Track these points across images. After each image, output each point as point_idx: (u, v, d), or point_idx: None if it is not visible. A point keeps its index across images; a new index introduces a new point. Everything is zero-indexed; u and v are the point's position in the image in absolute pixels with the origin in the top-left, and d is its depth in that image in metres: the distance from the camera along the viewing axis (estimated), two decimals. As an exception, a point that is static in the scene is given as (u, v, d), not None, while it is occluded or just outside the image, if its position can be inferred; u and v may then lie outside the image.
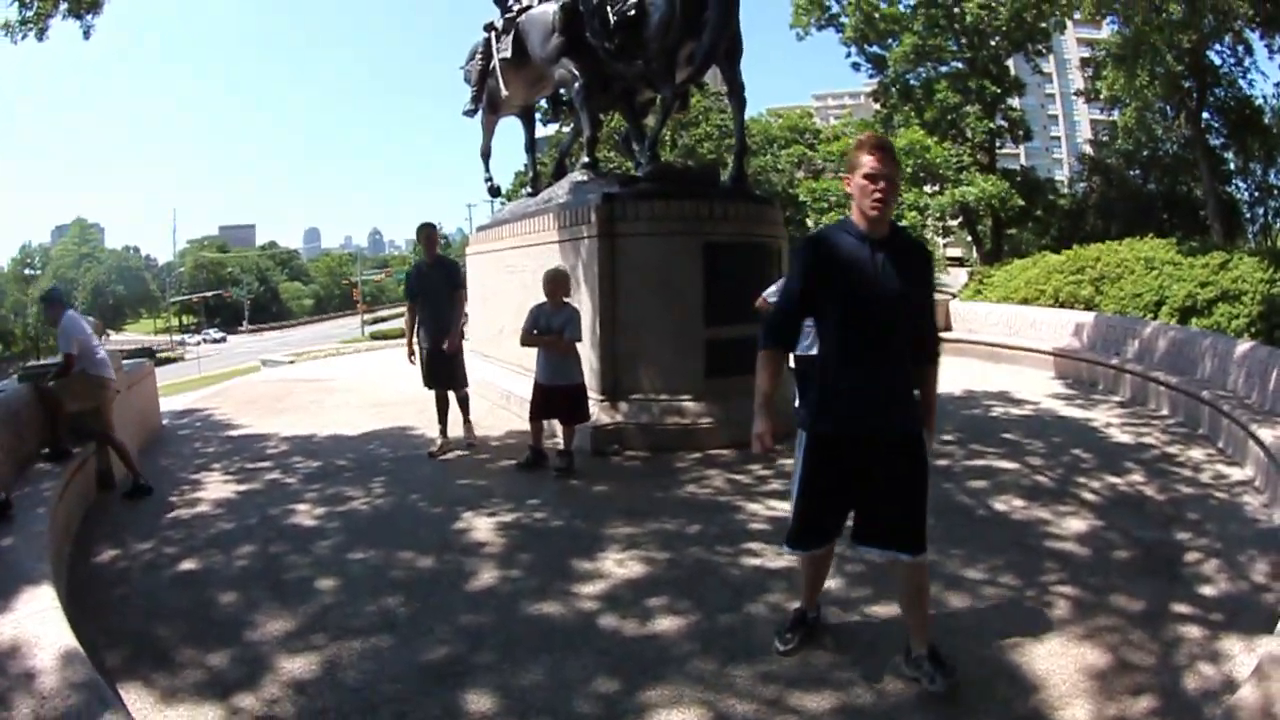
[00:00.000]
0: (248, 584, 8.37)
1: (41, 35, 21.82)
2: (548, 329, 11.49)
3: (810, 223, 55.90)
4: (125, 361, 14.34)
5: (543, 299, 11.87)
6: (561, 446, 12.06)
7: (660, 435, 12.64)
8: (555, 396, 11.73)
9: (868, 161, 5.39)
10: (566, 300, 11.78)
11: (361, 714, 5.88)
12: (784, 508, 9.05)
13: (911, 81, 55.33)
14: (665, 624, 6.83)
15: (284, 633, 7.24)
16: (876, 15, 54.22)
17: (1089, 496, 10.24)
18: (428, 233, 13.48)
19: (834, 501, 5.85)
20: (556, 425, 12.37)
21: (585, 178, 15.61)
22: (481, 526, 9.65)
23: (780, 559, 7.92)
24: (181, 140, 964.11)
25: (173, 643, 7.15)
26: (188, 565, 9.06)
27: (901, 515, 5.62)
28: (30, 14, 21.52)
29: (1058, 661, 6.17)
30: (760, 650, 6.31)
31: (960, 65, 53.76)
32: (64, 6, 21.46)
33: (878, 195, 5.38)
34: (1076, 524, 9.17)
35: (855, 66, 56.98)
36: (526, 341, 11.81)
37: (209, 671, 6.66)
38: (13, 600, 6.51)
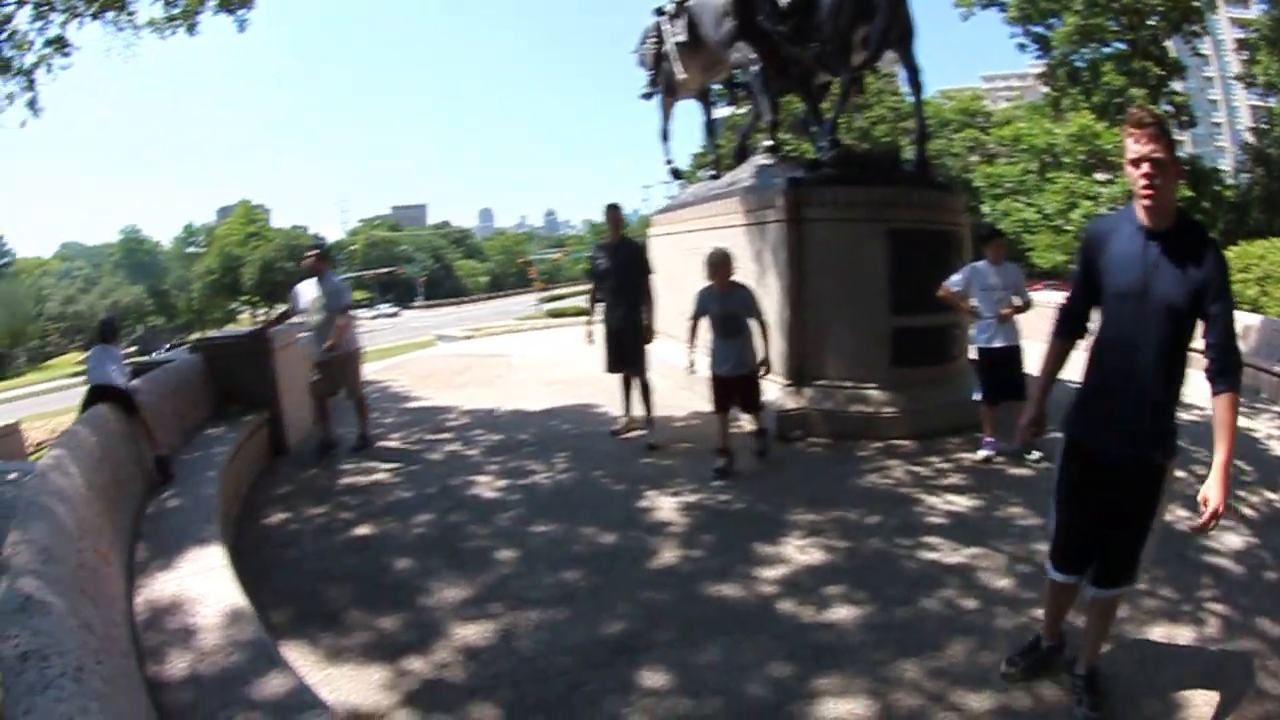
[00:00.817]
0: (424, 551, 8.49)
1: (192, 30, 22.46)
2: (721, 314, 10.69)
3: (986, 209, 54.75)
4: (300, 335, 14.50)
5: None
6: (754, 428, 11.66)
7: (843, 422, 12.30)
8: (733, 387, 11.05)
9: (1129, 144, 4.84)
10: (735, 281, 10.94)
11: (534, 683, 5.90)
12: (961, 503, 9.12)
13: (1077, 63, 53.82)
14: (841, 613, 6.76)
15: (460, 600, 7.32)
16: (1040, -7, 52.30)
17: (1247, 511, 9.79)
18: (613, 213, 13.13)
19: (1088, 513, 5.34)
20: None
21: (768, 161, 15.38)
22: (664, 505, 9.59)
23: (956, 554, 7.82)
24: (351, 123, 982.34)
25: (341, 604, 7.32)
26: (362, 530, 9.23)
27: (1112, 546, 5.29)
28: (178, 11, 22.18)
29: (1201, 681, 5.79)
30: (929, 645, 6.20)
31: (1122, 46, 51.99)
32: (213, 2, 21.83)
33: (1144, 181, 4.79)
34: (1233, 540, 8.68)
35: (1021, 47, 55.39)
36: (692, 335, 11.12)
37: (378, 634, 6.78)
38: (177, 559, 6.69)
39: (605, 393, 14.98)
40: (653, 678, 5.88)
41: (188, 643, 5.15)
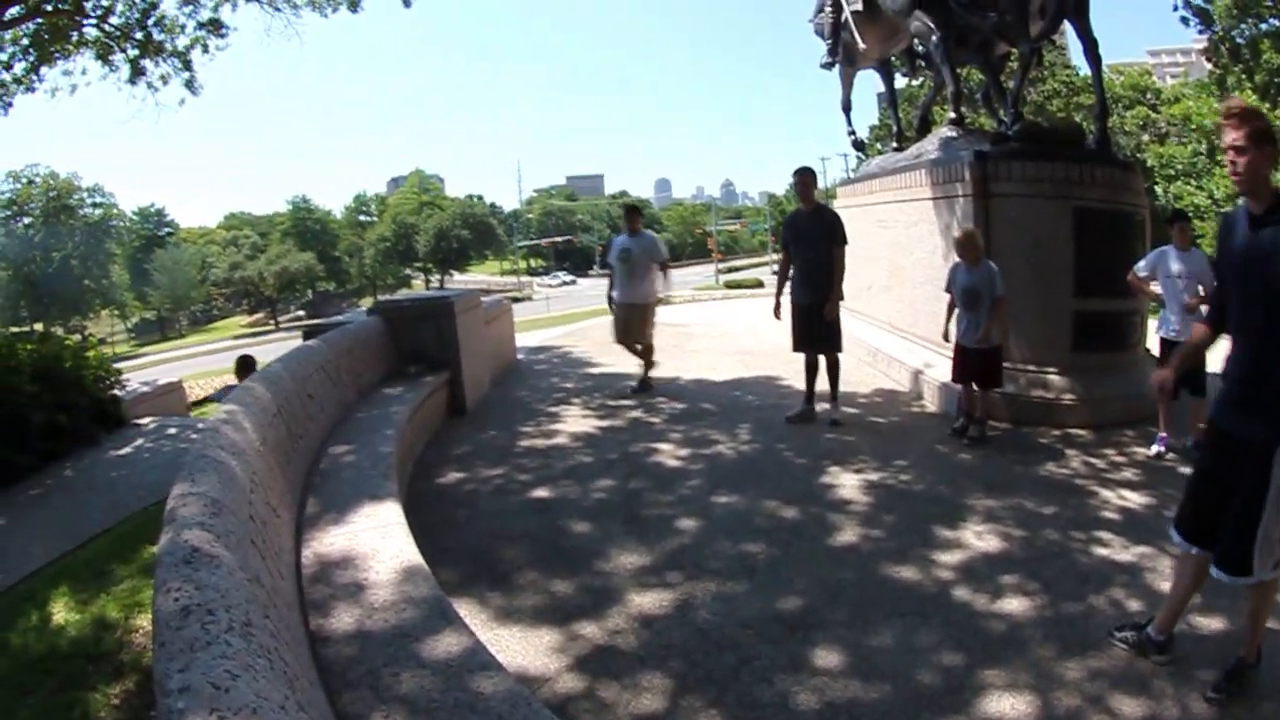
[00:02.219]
0: (604, 517, 8.44)
1: (354, 7, 22.92)
2: (966, 287, 10.74)
3: (1159, 191, 53.14)
4: (485, 299, 14.99)
5: (918, 255, 11.66)
6: (968, 413, 11.22)
7: (1023, 408, 11.86)
8: (975, 359, 10.92)
9: (1223, 134, 4.90)
10: (983, 258, 10.91)
11: (707, 654, 5.80)
12: (1133, 499, 8.81)
13: (1238, 40, 51.57)
14: (1013, 604, 6.57)
15: (637, 567, 7.26)
16: (1199, -37, 50.02)
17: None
18: (803, 177, 12.24)
19: (1213, 486, 5.35)
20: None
21: (954, 134, 14.95)
22: (847, 483, 9.34)
23: (1126, 552, 7.51)
24: (525, 93, 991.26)
25: (515, 565, 7.32)
26: (540, 493, 9.23)
27: (1228, 527, 5.20)
28: None
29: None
30: (1092, 645, 5.97)
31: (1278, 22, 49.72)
32: (376, -22, 22.49)
33: (1229, 167, 4.91)
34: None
35: (1184, 21, 53.04)
36: (950, 309, 11.14)
37: (550, 597, 6.76)
38: (349, 514, 6.71)
39: (788, 366, 14.64)
40: (824, 657, 5.78)
41: (356, 598, 5.14)
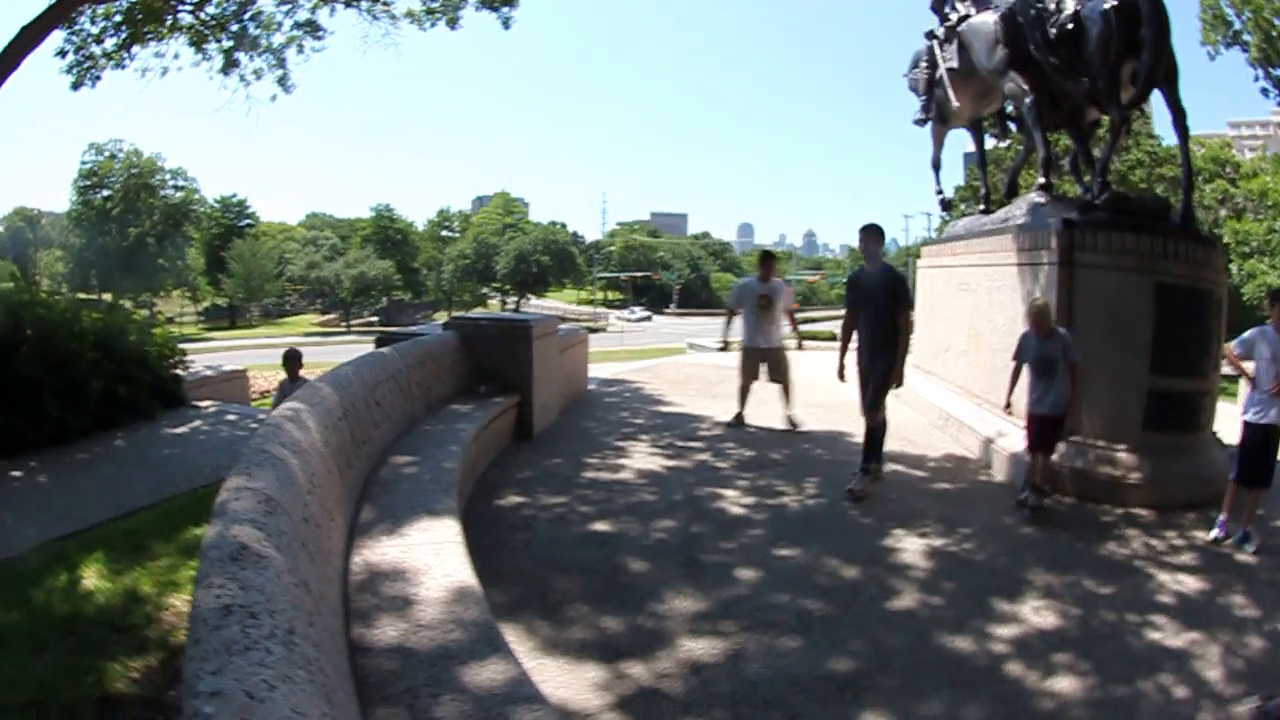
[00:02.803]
0: (662, 557, 8.32)
1: (453, 25, 23.18)
2: (1038, 357, 10.60)
3: (1233, 269, 52.41)
4: (561, 326, 15.14)
5: (998, 321, 11.74)
6: (1034, 484, 10.74)
7: (1089, 483, 11.44)
8: (1048, 426, 10.72)
9: None
10: (1053, 328, 10.77)
11: (753, 708, 5.67)
12: (1189, 583, 8.54)
13: None
14: (1064, 684, 6.38)
15: (691, 612, 7.11)
16: (1275, 34, 49.32)
17: None
18: (868, 235, 11.88)
19: None
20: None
21: (1042, 199, 14.69)
22: (910, 547, 9.18)
23: (1177, 638, 7.27)
24: (615, 127, 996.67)
25: (567, 597, 7.22)
26: (600, 526, 9.14)
27: None
28: (437, 5, 22.92)
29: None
30: None
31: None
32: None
33: None
34: None
35: (1264, 92, 52.12)
36: (1014, 378, 11.05)
37: (600, 632, 6.65)
38: (405, 526, 6.63)
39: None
40: None
41: (403, 612, 5.04)
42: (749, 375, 14.68)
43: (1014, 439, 11.66)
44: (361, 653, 4.56)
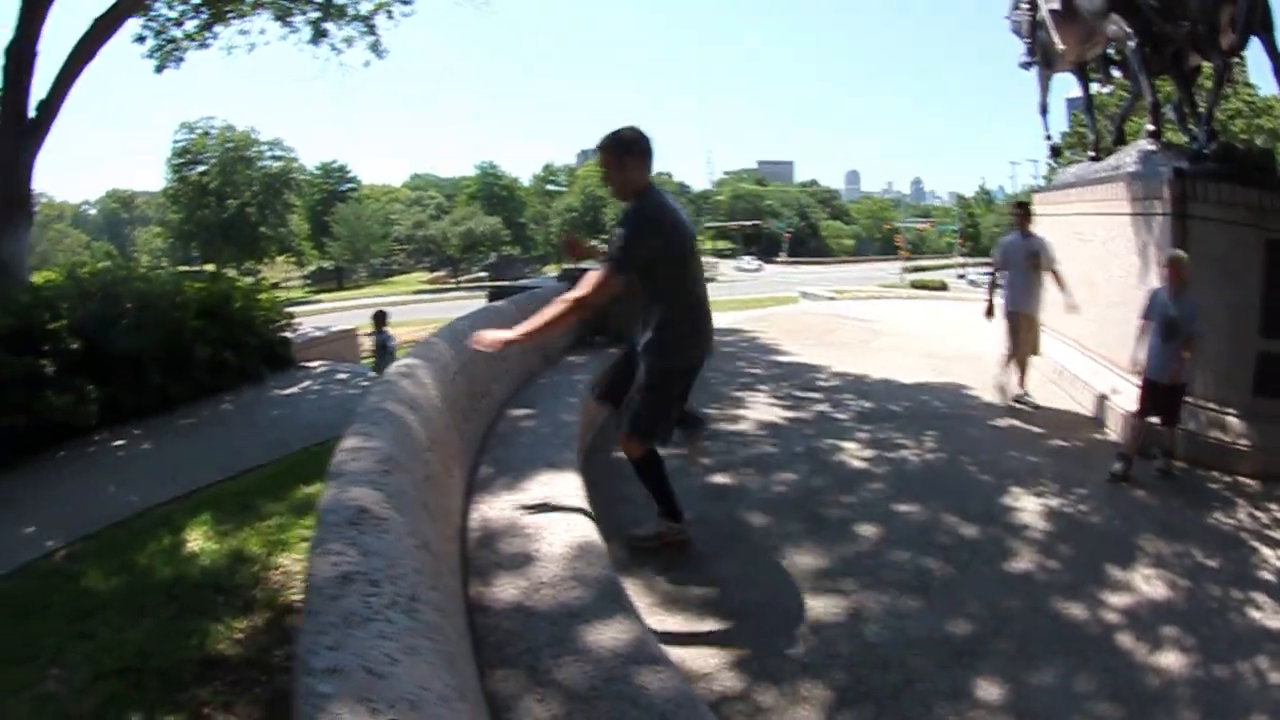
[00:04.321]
0: (783, 512, 8.23)
1: None
2: (1165, 318, 9.97)
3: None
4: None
5: (1114, 272, 11.01)
6: (1126, 454, 10.37)
7: (1199, 448, 11.04)
8: (1163, 395, 10.25)
9: None
10: (1187, 289, 10.07)
11: (871, 670, 5.63)
12: None
13: None
14: (1170, 659, 6.29)
15: (813, 569, 7.05)
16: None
17: None
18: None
19: None
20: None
21: (1153, 147, 14.29)
22: (1027, 506, 8.99)
23: (1277, 618, 7.11)
24: (718, 75, 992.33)
25: (687, 552, 7.17)
26: (720, 479, 9.11)
27: None
28: None
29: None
30: (1230, 713, 5.76)
31: None
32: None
33: None
34: None
35: None
36: (1140, 334, 10.31)
37: (720, 589, 6.59)
38: (525, 481, 6.61)
39: (976, 373, 14.49)
40: (986, 689, 5.61)
41: (523, 569, 5.02)
42: (1025, 345, 13.08)
43: (1128, 396, 11.30)
44: (480, 612, 4.53)
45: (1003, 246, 13.15)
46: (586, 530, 5.54)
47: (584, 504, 6.10)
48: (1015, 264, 13.04)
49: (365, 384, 14.70)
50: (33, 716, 5.60)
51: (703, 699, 4.72)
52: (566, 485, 6.46)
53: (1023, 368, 13.29)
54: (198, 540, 7.91)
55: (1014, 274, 13.10)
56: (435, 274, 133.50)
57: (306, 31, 22.61)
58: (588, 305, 6.28)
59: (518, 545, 5.32)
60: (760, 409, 11.98)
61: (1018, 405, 12.86)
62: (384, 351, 19.38)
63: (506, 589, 4.77)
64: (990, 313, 12.53)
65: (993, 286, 12.67)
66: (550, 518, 5.75)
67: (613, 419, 8.91)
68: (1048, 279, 12.63)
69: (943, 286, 78.90)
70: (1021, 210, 13.32)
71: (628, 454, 7.16)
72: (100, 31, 16.96)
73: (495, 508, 6.01)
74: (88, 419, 12.40)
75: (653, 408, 6.86)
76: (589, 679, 3.93)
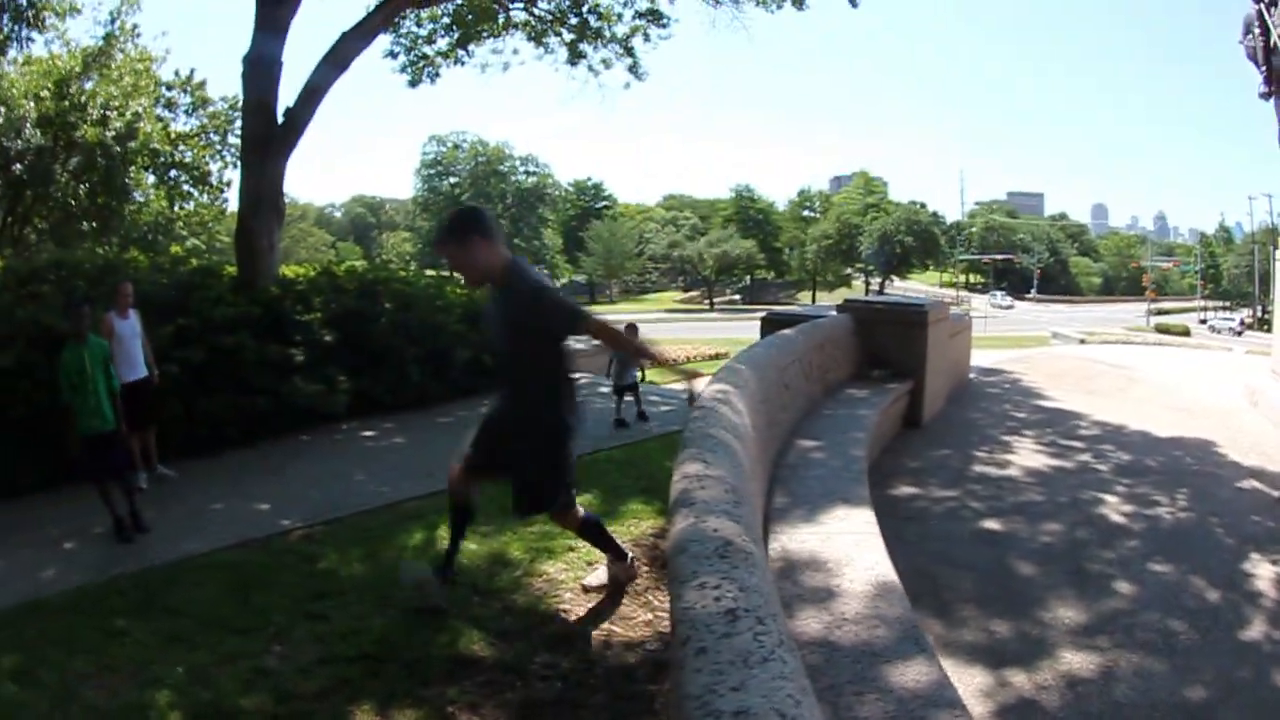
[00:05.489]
0: (1048, 562, 8.35)
1: (800, 5, 22.97)
2: None
3: None
4: (954, 310, 15.37)
5: None
6: None
7: None
8: None
9: None
10: None
11: (1109, 730, 5.60)
12: None
13: None
14: None
15: (1073, 623, 7.16)
16: None
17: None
18: None
19: None
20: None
21: None
22: (1264, 574, 8.73)
23: None
24: (970, 103, 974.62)
25: (960, 596, 7.38)
26: (989, 524, 9.25)
27: None
28: None
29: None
30: None
31: None
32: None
33: None
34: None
35: None
36: None
37: (989, 635, 6.81)
38: (820, 514, 6.81)
39: (1222, 429, 14.24)
40: None
41: (825, 604, 5.15)
42: None
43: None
44: None
45: None
46: (886, 569, 5.68)
47: (880, 543, 6.25)
48: None
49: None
50: (242, 689, 6.01)
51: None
52: (863, 521, 6.66)
53: None
54: (453, 538, 8.38)
55: None
56: (688, 293, 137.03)
57: (562, 53, 23.61)
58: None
59: (819, 580, 5.50)
60: (1026, 454, 12.00)
61: None
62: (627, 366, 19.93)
63: (811, 624, 4.90)
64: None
65: None
66: (850, 554, 5.92)
67: (886, 455, 9.32)
68: None
69: (1186, 332, 76.63)
70: None
71: (567, 527, 7.50)
72: (347, 46, 17.79)
73: (795, 540, 6.21)
74: (336, 407, 13.40)
75: (568, 470, 7.08)
76: (890, 717, 4.05)
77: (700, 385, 7.34)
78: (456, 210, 7.25)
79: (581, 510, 7.43)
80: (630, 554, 7.65)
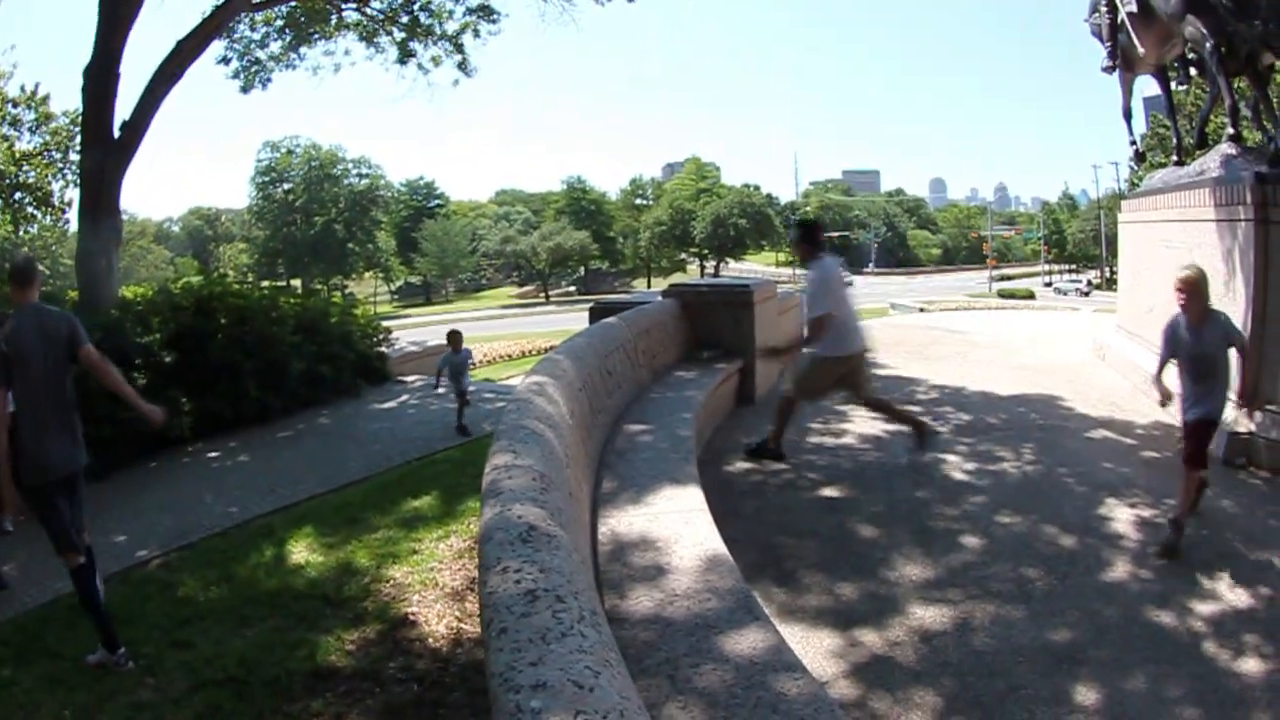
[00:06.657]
0: (890, 523, 8.44)
1: None
2: (1193, 354, 8.36)
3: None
4: (784, 289, 15.57)
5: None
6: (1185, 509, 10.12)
7: None
8: (1206, 435, 8.49)
9: None
10: (1211, 310, 8.46)
11: (977, 677, 5.85)
12: None
13: None
14: (1250, 665, 6.37)
15: (921, 580, 7.27)
16: None
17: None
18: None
19: None
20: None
21: (1233, 151, 14.24)
22: (1121, 517, 9.03)
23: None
24: (802, 84, 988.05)
25: (803, 563, 7.41)
26: (828, 492, 9.31)
27: None
28: None
29: None
30: None
31: None
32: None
33: None
34: None
35: None
36: (1157, 375, 8.81)
37: (835, 598, 6.84)
38: (649, 496, 6.77)
39: (1068, 385, 14.70)
40: (1084, 695, 5.80)
41: (656, 582, 5.17)
42: None
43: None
44: (616, 624, 4.61)
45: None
46: (715, 543, 5.70)
47: (709, 518, 6.24)
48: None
49: (507, 405, 14.64)
50: (127, 725, 5.78)
51: (836, 703, 4.86)
52: (692, 499, 6.63)
53: None
54: (302, 552, 8.22)
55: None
56: (524, 288, 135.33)
57: (393, 52, 23.45)
58: None
59: (649, 559, 5.49)
60: (862, 422, 12.11)
61: None
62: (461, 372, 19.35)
63: (642, 601, 4.91)
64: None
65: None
66: (679, 532, 5.91)
67: (718, 434, 9.27)
68: None
69: (1030, 296, 78.57)
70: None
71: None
72: (183, 54, 17.35)
73: (624, 523, 6.18)
74: (180, 430, 12.82)
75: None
76: (729, 686, 4.05)
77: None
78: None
79: None
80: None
